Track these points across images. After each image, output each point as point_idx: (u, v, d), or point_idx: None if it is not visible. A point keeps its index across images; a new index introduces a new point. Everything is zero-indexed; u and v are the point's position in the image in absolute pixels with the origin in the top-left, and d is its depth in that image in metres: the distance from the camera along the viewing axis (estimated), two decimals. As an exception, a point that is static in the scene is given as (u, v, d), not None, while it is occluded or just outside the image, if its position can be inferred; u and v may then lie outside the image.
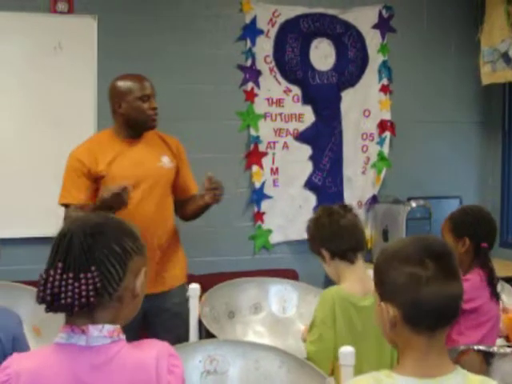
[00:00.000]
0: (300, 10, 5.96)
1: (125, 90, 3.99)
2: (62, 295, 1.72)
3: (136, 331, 3.81)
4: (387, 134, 6.28)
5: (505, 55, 5.94)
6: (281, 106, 5.94)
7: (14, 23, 5.15)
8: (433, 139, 6.47)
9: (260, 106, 5.88)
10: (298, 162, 6.02)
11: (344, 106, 6.14)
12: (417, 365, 1.89)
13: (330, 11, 6.05)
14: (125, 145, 4.03)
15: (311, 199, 6.06)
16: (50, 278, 1.75)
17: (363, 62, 6.20)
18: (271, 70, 5.90)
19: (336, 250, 3.01)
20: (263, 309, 3.84)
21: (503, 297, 4.08)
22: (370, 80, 6.24)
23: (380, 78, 6.27)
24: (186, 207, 4.26)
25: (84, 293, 1.73)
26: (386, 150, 6.29)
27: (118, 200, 3.61)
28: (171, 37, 5.60)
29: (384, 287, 1.96)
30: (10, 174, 5.16)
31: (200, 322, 3.37)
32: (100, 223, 1.87)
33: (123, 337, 1.84)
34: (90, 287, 1.74)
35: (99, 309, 1.80)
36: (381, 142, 6.27)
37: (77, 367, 1.77)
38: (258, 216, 5.89)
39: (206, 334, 3.39)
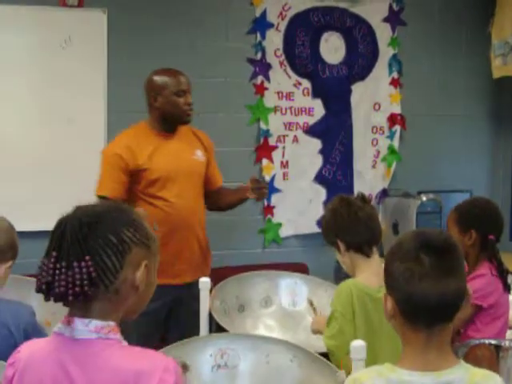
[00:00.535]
0: (310, 4, 5.95)
1: (161, 85, 4.09)
2: (56, 284, 1.71)
3: (161, 323, 4.02)
4: (397, 127, 6.27)
5: (516, 48, 5.93)
6: (291, 100, 5.93)
7: (24, 17, 5.14)
8: (443, 133, 6.46)
9: (270, 100, 5.87)
10: (308, 155, 6.01)
11: (354, 99, 6.13)
12: (418, 360, 1.90)
13: (340, 4, 6.03)
14: (161, 138, 4.11)
15: (321, 193, 6.06)
16: (45, 267, 1.73)
17: (373, 55, 6.19)
18: (281, 64, 5.88)
19: (351, 241, 2.99)
20: (273, 302, 3.85)
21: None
22: (380, 73, 6.22)
23: (390, 72, 6.26)
24: (222, 198, 4.40)
25: (78, 282, 1.70)
26: (396, 143, 6.28)
27: None
28: (181, 30, 5.59)
29: (386, 279, 1.98)
30: (24, 168, 5.17)
31: (210, 316, 3.37)
32: (99, 212, 1.83)
33: (115, 336, 1.79)
34: (84, 276, 1.71)
35: (95, 300, 1.77)
36: (391, 136, 6.26)
37: (62, 356, 1.77)
38: (268, 209, 5.89)
39: (216, 327, 3.39)
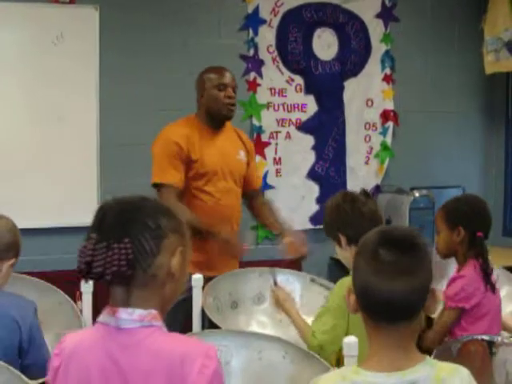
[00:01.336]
0: (302, 0, 5.94)
1: (205, 80, 4.16)
2: (95, 264, 1.78)
3: None
4: (390, 123, 6.28)
5: (508, 44, 5.93)
6: (283, 96, 5.93)
7: (15, 13, 5.12)
8: (436, 129, 6.46)
9: (263, 96, 5.87)
10: (300, 152, 6.01)
11: (347, 95, 6.13)
12: (383, 360, 1.86)
13: (333, 0, 6.03)
14: (209, 134, 4.14)
15: (314, 189, 6.06)
16: (85, 248, 1.81)
17: (366, 51, 6.19)
18: (274, 60, 5.88)
19: (354, 235, 2.98)
20: (266, 299, 3.84)
21: (505, 287, 4.05)
22: (373, 69, 6.23)
23: (383, 68, 6.26)
24: (258, 210, 4.46)
25: (116, 262, 1.78)
26: (389, 139, 6.29)
27: (230, 250, 3.90)
28: (173, 27, 5.58)
29: (352, 273, 1.96)
30: (15, 167, 5.16)
31: (203, 313, 3.37)
32: (137, 201, 1.93)
33: (157, 323, 1.87)
34: (122, 257, 1.78)
35: (135, 287, 1.85)
36: (384, 132, 6.27)
37: (108, 345, 1.84)
38: (261, 206, 5.88)
39: (208, 324, 3.38)
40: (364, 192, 3.13)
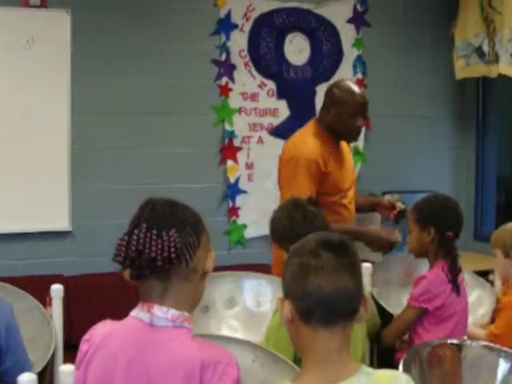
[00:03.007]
0: (274, 5, 5.96)
1: (338, 100, 4.01)
2: (146, 250, 1.88)
3: None
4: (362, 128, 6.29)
5: (478, 49, 5.98)
6: (255, 101, 5.93)
7: (-14, 17, 5.09)
8: (407, 133, 6.49)
9: (235, 101, 5.87)
10: (273, 156, 5.95)
11: (319, 100, 6.11)
12: (317, 371, 1.83)
13: (305, 5, 6.05)
14: (334, 145, 4.08)
15: (286, 194, 6.06)
16: (135, 237, 1.90)
17: (338, 56, 6.21)
18: (246, 65, 5.89)
19: None
20: (237, 303, 3.83)
21: (476, 291, 4.07)
22: (345, 74, 6.23)
23: (355, 73, 6.28)
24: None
25: (166, 248, 1.88)
26: (360, 144, 6.30)
27: (381, 245, 3.91)
28: (145, 31, 5.56)
29: (283, 281, 1.94)
30: None
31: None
32: (174, 200, 2.04)
33: (188, 326, 1.97)
34: (172, 244, 1.89)
35: (176, 279, 1.95)
36: (355, 137, 6.28)
37: (139, 339, 1.94)
38: (233, 211, 5.88)
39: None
40: (312, 201, 3.15)
